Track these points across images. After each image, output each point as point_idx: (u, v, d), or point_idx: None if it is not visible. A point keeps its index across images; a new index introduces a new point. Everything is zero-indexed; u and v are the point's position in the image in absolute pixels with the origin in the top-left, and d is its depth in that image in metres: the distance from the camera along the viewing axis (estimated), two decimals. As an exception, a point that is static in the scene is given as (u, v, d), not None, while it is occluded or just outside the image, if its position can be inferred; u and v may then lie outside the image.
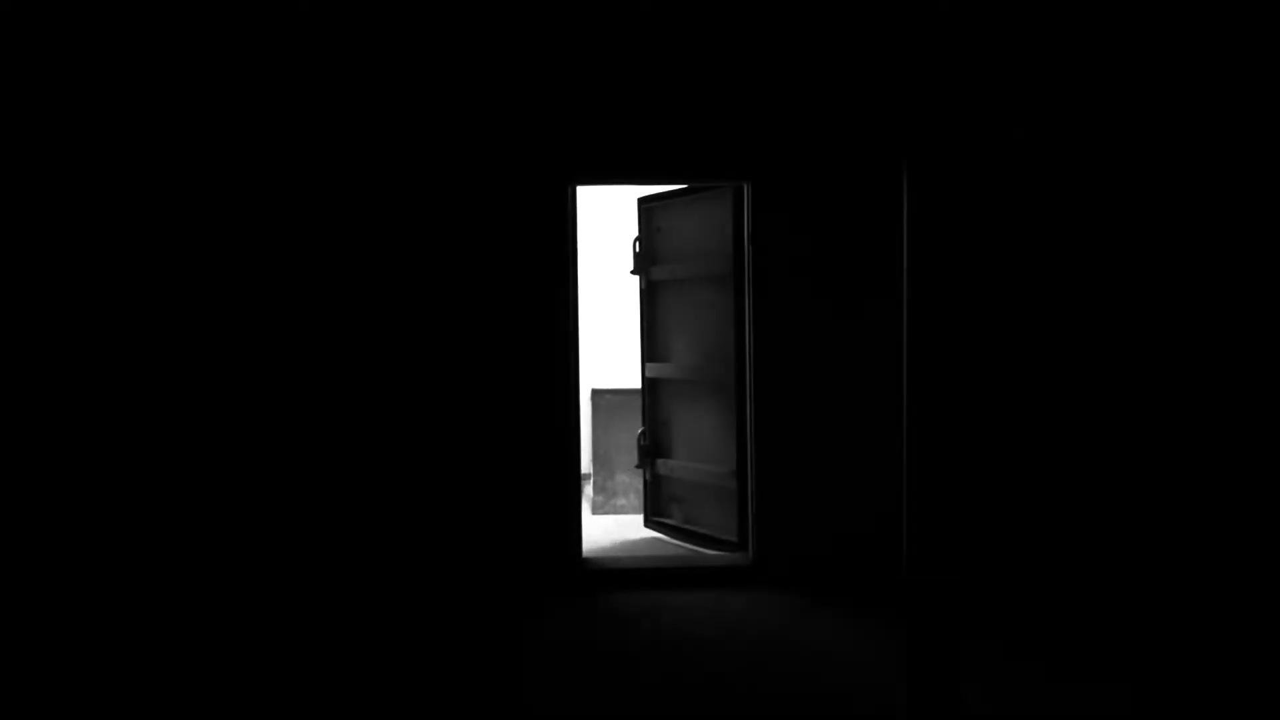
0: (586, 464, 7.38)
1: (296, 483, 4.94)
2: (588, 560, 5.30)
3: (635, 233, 5.94)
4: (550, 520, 5.07)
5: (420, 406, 5.01)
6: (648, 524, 6.09)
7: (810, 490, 5.13)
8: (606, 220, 7.81)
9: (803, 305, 5.14)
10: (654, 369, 6.03)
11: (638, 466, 6.22)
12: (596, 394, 7.24)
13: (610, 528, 6.27)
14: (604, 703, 3.65)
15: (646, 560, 5.39)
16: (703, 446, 5.68)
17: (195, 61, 4.87)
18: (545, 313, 5.07)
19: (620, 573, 5.16)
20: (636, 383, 7.59)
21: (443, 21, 4.99)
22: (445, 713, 3.60)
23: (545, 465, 5.08)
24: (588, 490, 7.13)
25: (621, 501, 6.76)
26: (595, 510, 6.68)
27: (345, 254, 4.96)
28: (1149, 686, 3.74)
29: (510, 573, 5.05)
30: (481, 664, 4.06)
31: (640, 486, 6.89)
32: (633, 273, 6.11)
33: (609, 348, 7.82)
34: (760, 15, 5.07)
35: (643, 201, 6.07)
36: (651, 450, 6.04)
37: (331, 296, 4.96)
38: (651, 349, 6.07)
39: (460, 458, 5.03)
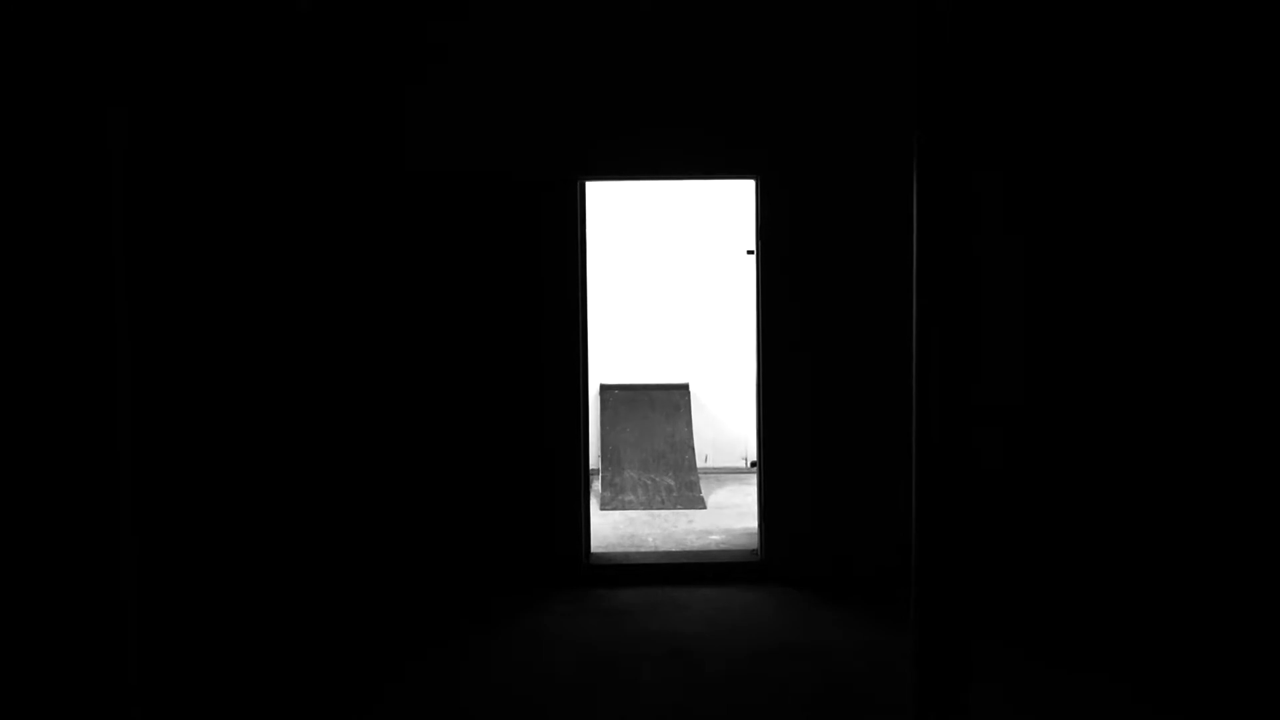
0: (595, 459, 7.39)
1: (313, 474, 4.96)
2: (596, 555, 5.31)
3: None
4: (558, 516, 5.08)
5: (427, 404, 5.02)
6: None
7: (816, 486, 5.11)
8: (613, 216, 7.81)
9: (806, 301, 5.13)
10: None
11: None
12: (605, 389, 7.24)
13: (619, 523, 6.27)
14: (594, 695, 3.66)
15: (654, 556, 5.39)
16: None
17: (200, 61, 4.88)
18: (553, 308, 5.07)
19: (628, 568, 5.16)
20: (646, 379, 7.60)
21: (454, 18, 5.00)
22: (436, 703, 3.61)
23: (552, 461, 5.08)
24: (596, 486, 7.13)
25: (630, 497, 6.76)
26: (604, 506, 6.68)
27: (353, 256, 4.98)
28: (1151, 684, 3.74)
29: (517, 567, 5.06)
30: (475, 657, 4.07)
31: (647, 484, 6.90)
32: None
33: (617, 343, 7.80)
34: (766, 9, 5.06)
35: None
36: None
37: (339, 296, 4.97)
38: None
39: (467, 453, 5.04)
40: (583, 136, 5.07)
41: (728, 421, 7.64)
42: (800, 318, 5.11)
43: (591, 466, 6.85)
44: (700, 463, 7.54)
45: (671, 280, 7.74)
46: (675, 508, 6.68)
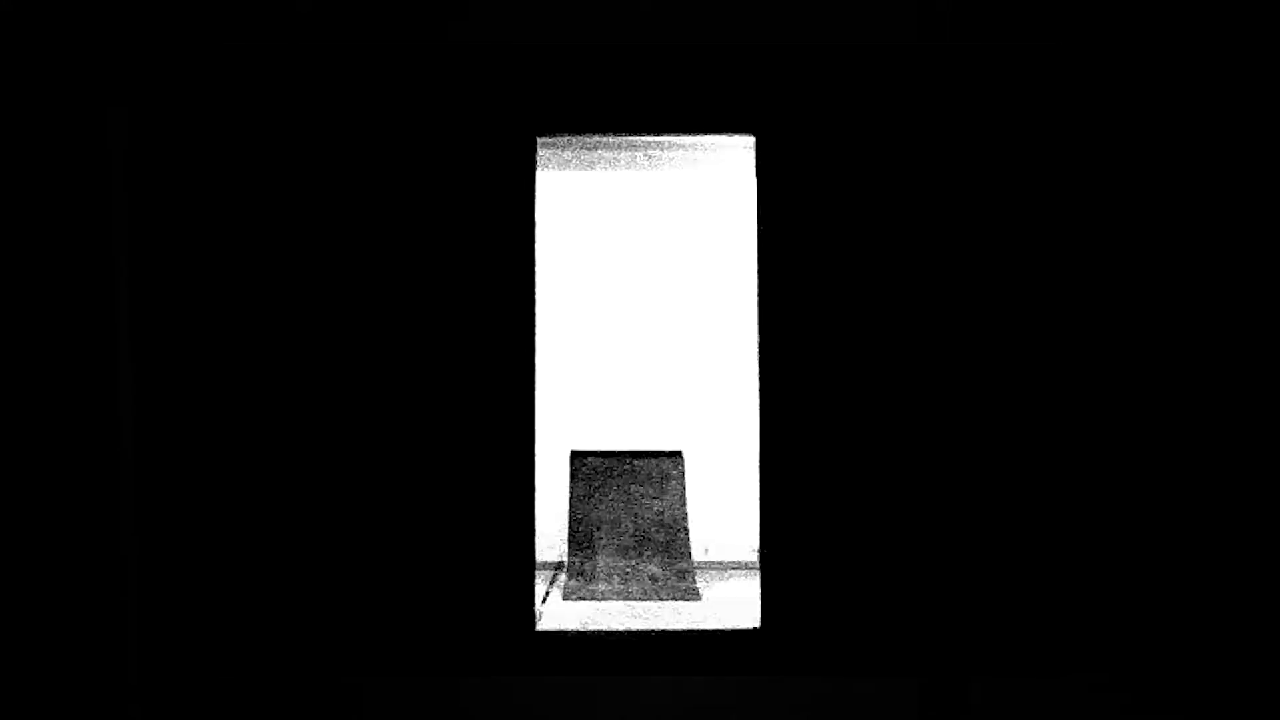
0: (559, 545, 5.85)
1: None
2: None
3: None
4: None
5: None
6: None
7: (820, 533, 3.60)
8: (588, 250, 6.44)
9: (825, 316, 3.78)
10: None
11: None
12: (577, 457, 5.75)
13: (588, 617, 4.65)
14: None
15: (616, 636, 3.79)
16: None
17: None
18: (487, 325, 3.76)
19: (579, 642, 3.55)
20: (628, 444, 6.13)
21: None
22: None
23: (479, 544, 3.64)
24: (561, 578, 5.55)
25: (603, 587, 5.13)
26: (568, 595, 5.06)
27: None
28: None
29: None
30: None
31: (625, 572, 5.32)
32: None
33: (593, 400, 6.31)
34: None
35: None
36: None
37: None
38: None
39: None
40: (540, 74, 3.91)
41: (734, 499, 6.07)
42: (815, 336, 3.77)
43: (555, 559, 5.74)
44: (700, 555, 5.93)
45: (661, 322, 6.29)
46: (660, 599, 5.05)
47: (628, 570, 5.28)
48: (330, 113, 3.94)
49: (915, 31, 4.00)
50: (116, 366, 3.53)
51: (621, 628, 4.38)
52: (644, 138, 4.42)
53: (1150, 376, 4.01)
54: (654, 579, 5.22)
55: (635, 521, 5.55)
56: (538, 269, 5.55)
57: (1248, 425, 4.00)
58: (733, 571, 5.87)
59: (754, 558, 5.95)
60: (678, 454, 5.79)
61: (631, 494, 5.65)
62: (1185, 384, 4.01)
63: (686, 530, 5.54)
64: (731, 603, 5.01)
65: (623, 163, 5.86)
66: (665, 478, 5.72)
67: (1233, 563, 4.00)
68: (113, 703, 3.27)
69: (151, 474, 3.73)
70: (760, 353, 4.03)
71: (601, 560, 5.35)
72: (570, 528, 5.53)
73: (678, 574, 5.27)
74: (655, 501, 5.64)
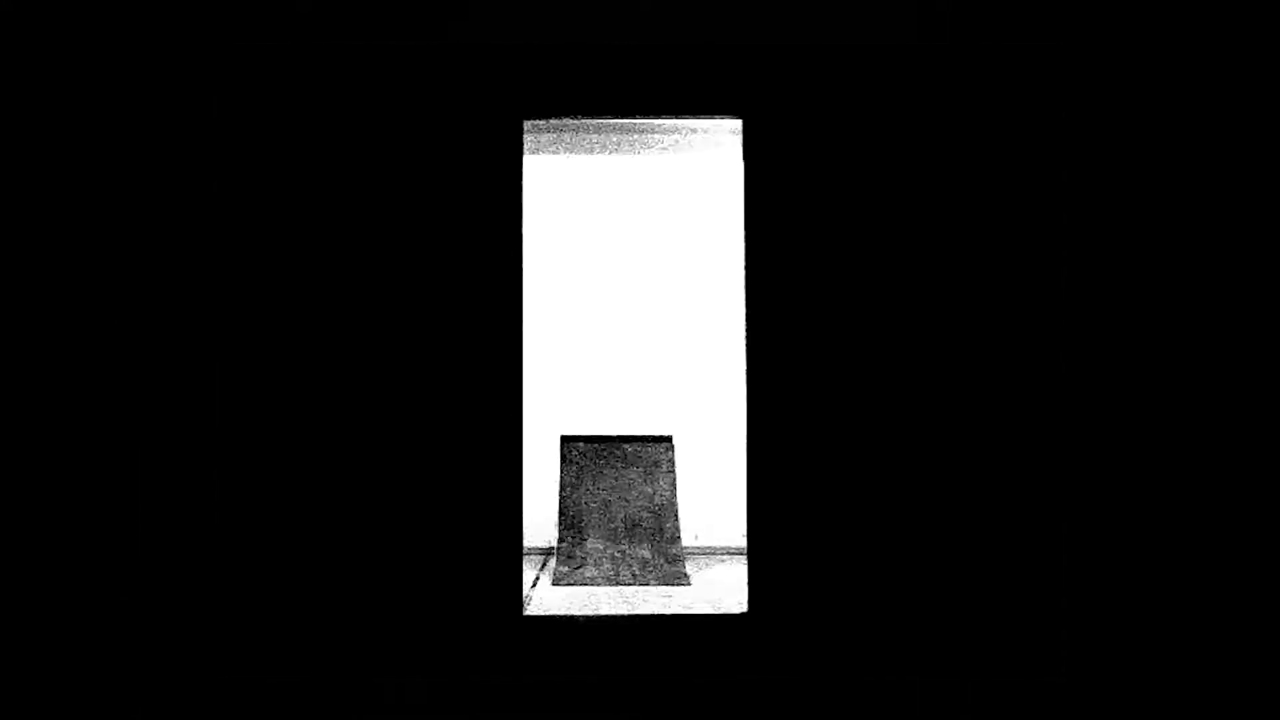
0: (550, 530, 5.88)
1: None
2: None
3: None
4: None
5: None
6: None
7: (805, 516, 3.60)
8: (579, 235, 6.47)
9: (815, 303, 3.77)
10: None
11: None
12: (567, 442, 5.76)
13: (576, 602, 4.68)
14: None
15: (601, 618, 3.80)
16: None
17: None
18: (475, 309, 3.74)
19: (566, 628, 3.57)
20: (618, 429, 6.16)
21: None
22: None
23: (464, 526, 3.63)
24: (551, 562, 5.57)
25: (592, 572, 5.16)
26: (558, 581, 5.09)
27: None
28: None
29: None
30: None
31: (615, 556, 5.33)
32: None
33: (583, 385, 6.33)
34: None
35: None
36: None
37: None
38: None
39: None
40: (527, 53, 3.89)
41: (724, 485, 6.10)
42: (806, 325, 3.75)
43: (544, 544, 5.74)
44: (689, 541, 5.97)
45: (652, 309, 6.33)
46: (650, 584, 5.07)
47: (617, 555, 5.30)
48: (324, 108, 3.92)
49: (915, 31, 3.99)
50: (116, 365, 3.53)
51: (611, 612, 4.41)
52: (637, 121, 4.40)
53: (1147, 375, 4.02)
54: (644, 564, 5.24)
55: (625, 506, 5.57)
56: (528, 255, 5.57)
57: (1248, 426, 4.01)
58: (723, 556, 5.90)
59: (744, 543, 5.98)
60: (668, 439, 5.80)
61: (621, 479, 5.66)
62: (1183, 383, 4.02)
63: (676, 515, 5.56)
64: (721, 587, 5.04)
65: (612, 147, 5.85)
66: (655, 463, 5.73)
67: (1231, 564, 4.01)
68: (113, 703, 3.28)
69: (150, 475, 3.72)
70: (748, 338, 4.03)
71: (591, 545, 5.36)
72: (560, 513, 5.54)
73: (668, 559, 5.29)
74: (645, 486, 5.65)
